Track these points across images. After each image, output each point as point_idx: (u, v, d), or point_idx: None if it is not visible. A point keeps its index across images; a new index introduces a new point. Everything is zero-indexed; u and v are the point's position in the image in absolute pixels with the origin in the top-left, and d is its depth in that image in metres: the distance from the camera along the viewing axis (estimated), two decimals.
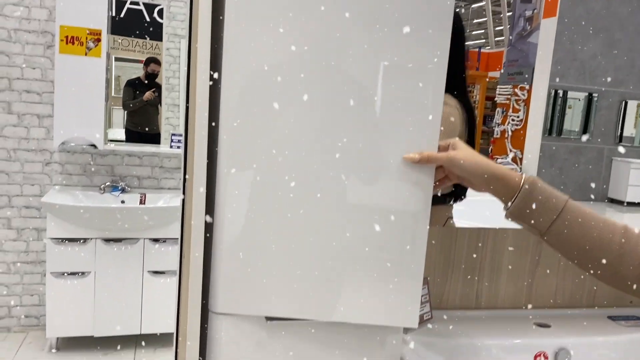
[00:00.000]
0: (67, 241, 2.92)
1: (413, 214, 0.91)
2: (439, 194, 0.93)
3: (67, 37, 2.92)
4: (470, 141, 1.36)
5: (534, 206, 0.82)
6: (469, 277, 1.44)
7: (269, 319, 0.95)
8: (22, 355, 2.97)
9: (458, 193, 1.39)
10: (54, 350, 3.04)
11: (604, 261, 0.78)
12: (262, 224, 0.91)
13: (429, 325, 1.31)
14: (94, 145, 3.06)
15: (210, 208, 0.93)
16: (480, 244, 1.42)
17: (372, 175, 0.89)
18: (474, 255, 1.43)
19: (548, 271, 1.50)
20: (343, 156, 0.89)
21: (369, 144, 0.89)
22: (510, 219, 0.86)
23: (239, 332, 0.96)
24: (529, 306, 1.49)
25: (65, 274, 2.94)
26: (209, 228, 0.93)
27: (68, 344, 3.11)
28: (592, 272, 0.81)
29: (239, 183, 0.90)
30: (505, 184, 0.84)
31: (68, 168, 3.17)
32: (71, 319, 2.98)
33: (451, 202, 1.43)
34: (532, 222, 0.83)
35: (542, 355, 1.33)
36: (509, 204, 0.84)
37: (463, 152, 0.86)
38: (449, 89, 1.02)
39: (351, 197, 0.90)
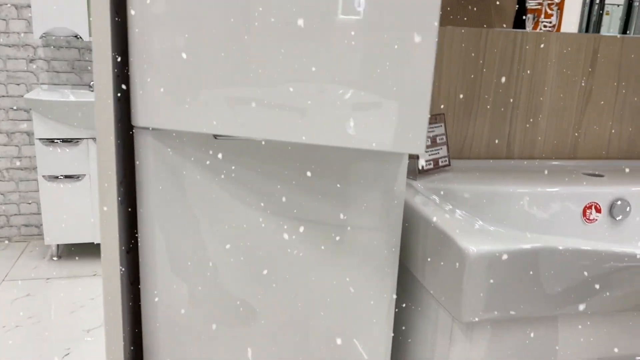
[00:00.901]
0: (58, 141, 2.69)
1: None
2: None
3: None
4: None
5: None
6: (498, 118, 1.14)
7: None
8: (22, 263, 2.83)
9: None
10: (55, 258, 2.88)
11: None
12: None
13: (445, 175, 1.03)
14: (79, 37, 2.77)
15: None
16: (515, 66, 1.10)
17: None
18: (507, 93, 1.12)
19: (601, 110, 1.18)
20: None
21: None
22: None
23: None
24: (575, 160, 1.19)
25: (60, 177, 2.74)
26: None
27: (69, 251, 2.96)
28: None
29: None
30: None
31: (54, 65, 2.89)
32: (70, 225, 2.80)
33: None
34: None
35: (593, 207, 1.04)
36: None
37: None
38: None
39: None
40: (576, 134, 1.17)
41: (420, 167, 0.98)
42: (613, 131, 1.18)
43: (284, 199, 0.80)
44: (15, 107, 2.91)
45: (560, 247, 0.72)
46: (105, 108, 0.72)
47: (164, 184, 0.78)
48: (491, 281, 0.72)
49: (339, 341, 0.87)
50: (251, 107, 0.66)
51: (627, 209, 1.03)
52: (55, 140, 2.68)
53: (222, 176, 0.77)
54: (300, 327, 0.86)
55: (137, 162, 0.77)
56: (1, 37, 2.80)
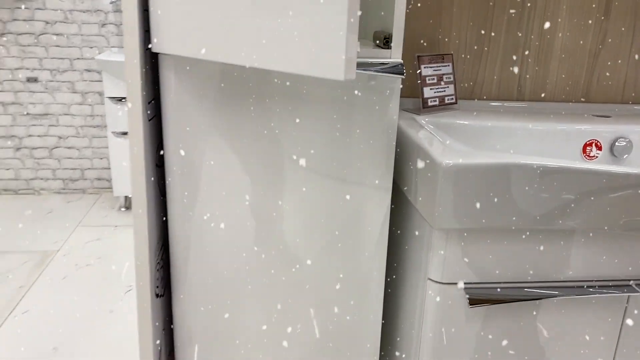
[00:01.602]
0: (125, 100, 2.91)
1: None
2: None
3: None
4: None
5: None
6: (510, 58, 1.19)
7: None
8: (95, 213, 3.11)
9: None
10: (122, 209, 3.14)
11: None
12: None
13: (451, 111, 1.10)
14: None
15: None
16: (526, 6, 1.15)
17: None
18: (519, 34, 1.17)
19: (616, 57, 1.20)
20: None
21: None
22: None
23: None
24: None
25: (127, 133, 2.97)
26: None
27: None
28: None
29: None
30: None
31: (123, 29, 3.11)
32: None
33: None
34: None
35: (593, 144, 1.08)
36: None
37: None
38: None
39: None
40: (590, 79, 1.19)
41: (423, 102, 1.06)
42: (628, 75, 1.19)
43: (279, 132, 0.90)
44: (88, 69, 3.16)
45: (526, 162, 0.79)
46: (132, 32, 0.85)
47: (185, 108, 0.90)
48: (461, 191, 0.81)
49: (340, 245, 0.98)
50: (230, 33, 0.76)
51: (629, 147, 1.06)
52: (124, 99, 2.90)
53: (229, 107, 0.89)
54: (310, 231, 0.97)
55: (161, 85, 0.91)
56: (76, 3, 3.05)
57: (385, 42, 0.84)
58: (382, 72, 0.82)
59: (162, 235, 1.02)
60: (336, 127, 0.90)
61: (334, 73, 0.63)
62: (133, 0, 0.84)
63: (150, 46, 0.90)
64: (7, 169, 3.26)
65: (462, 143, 0.95)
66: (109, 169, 3.32)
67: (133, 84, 0.87)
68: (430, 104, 1.07)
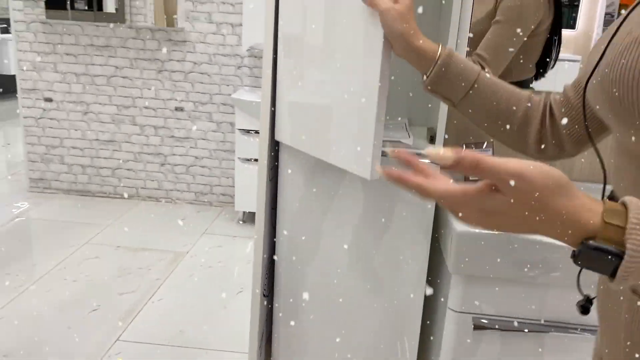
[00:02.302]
0: (252, 132, 3.46)
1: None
2: None
3: None
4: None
5: (446, 81, 0.85)
6: None
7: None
8: (218, 223, 3.69)
9: None
10: (240, 222, 3.70)
11: (509, 127, 0.83)
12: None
13: None
14: None
15: None
16: None
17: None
18: None
19: None
20: None
21: None
22: (428, 91, 0.90)
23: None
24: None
25: (252, 160, 3.51)
26: None
27: (252, 217, 3.75)
28: (499, 137, 0.87)
29: None
30: (422, 58, 0.87)
31: (255, 71, 3.69)
32: (254, 197, 3.57)
33: None
34: (446, 94, 0.88)
35: None
36: (424, 77, 0.88)
37: (397, 11, 0.87)
38: None
39: None
40: None
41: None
42: None
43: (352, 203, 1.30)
44: (224, 103, 3.77)
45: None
46: (264, 122, 1.30)
47: (297, 186, 1.33)
48: (470, 252, 1.16)
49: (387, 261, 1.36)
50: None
51: None
52: (250, 131, 3.46)
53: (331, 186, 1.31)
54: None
55: (279, 163, 1.35)
56: (219, 48, 3.67)
57: (431, 139, 1.21)
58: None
59: (270, 253, 1.46)
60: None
61: (365, 174, 1.04)
62: (267, 100, 1.28)
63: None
64: (153, 180, 3.95)
65: None
66: (233, 187, 3.89)
67: (263, 152, 1.31)
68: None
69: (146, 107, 3.81)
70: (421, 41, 0.87)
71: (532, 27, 1.42)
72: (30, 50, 3.74)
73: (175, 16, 3.60)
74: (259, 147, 1.31)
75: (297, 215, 1.37)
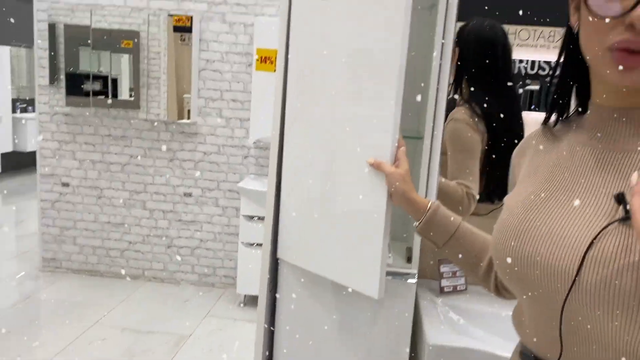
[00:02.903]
0: (256, 218, 3.68)
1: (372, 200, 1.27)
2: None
3: (261, 57, 3.69)
4: (494, 146, 1.63)
5: (433, 228, 1.09)
6: None
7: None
8: (219, 305, 3.84)
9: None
10: (242, 305, 3.84)
11: (476, 271, 1.06)
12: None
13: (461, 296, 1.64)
14: None
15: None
16: None
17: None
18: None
19: None
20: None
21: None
22: (418, 234, 1.13)
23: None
24: None
25: (254, 244, 3.71)
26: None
27: (253, 301, 3.90)
28: (469, 275, 1.10)
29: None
30: (416, 210, 1.13)
31: (260, 161, 3.96)
32: (256, 281, 3.74)
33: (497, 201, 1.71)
34: (433, 239, 1.11)
35: None
36: (416, 224, 1.13)
37: (400, 174, 1.16)
38: (477, 100, 1.37)
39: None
40: None
41: (440, 289, 1.60)
42: None
43: None
44: (230, 189, 4.01)
45: (479, 349, 1.30)
46: (267, 239, 1.51)
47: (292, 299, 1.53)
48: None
49: None
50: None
51: None
52: (254, 217, 3.67)
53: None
54: None
55: (278, 278, 1.55)
56: (228, 140, 3.95)
57: (408, 259, 1.42)
58: (403, 279, 1.40)
59: (269, 343, 1.63)
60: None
61: (373, 293, 1.24)
62: (269, 219, 1.50)
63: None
64: (159, 262, 4.14)
65: (465, 320, 1.48)
66: (235, 269, 4.07)
67: (264, 267, 1.51)
68: (445, 290, 1.61)
69: (156, 193, 4.06)
70: (415, 196, 1.14)
71: (480, 141, 1.64)
72: (52, 139, 4.04)
73: (188, 108, 3.92)
74: (261, 260, 1.51)
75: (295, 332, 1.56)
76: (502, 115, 1.60)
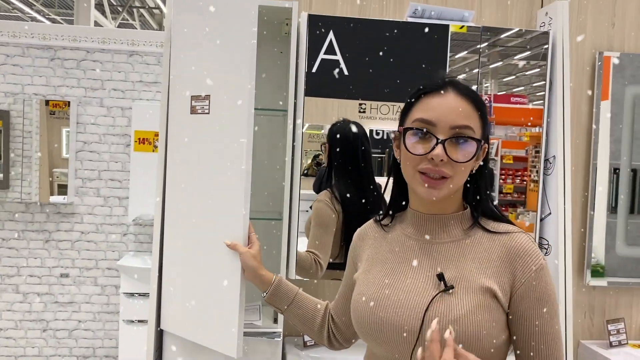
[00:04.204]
0: (137, 295, 3.74)
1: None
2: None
3: (139, 138, 3.88)
4: (347, 221, 2.00)
5: (277, 296, 1.39)
6: None
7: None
8: None
9: None
10: None
11: (312, 328, 1.38)
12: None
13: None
14: None
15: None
16: None
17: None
18: None
19: None
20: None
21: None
22: (266, 302, 1.42)
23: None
24: None
25: (135, 321, 3.74)
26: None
27: None
28: (308, 334, 1.40)
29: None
30: (263, 282, 1.41)
31: (140, 237, 4.06)
32: (139, 357, 3.75)
33: None
34: (277, 305, 1.40)
35: None
36: (264, 294, 1.42)
37: (252, 254, 1.46)
38: (337, 185, 1.71)
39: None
40: None
41: (304, 343, 1.88)
42: None
43: None
44: (109, 267, 4.05)
45: None
46: (152, 312, 1.70)
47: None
48: None
49: None
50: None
51: None
52: (134, 294, 3.74)
53: None
54: None
55: (163, 346, 1.73)
56: (106, 219, 4.03)
57: (275, 320, 1.69)
58: (271, 337, 1.67)
59: None
60: None
61: (232, 353, 1.48)
62: (154, 293, 1.70)
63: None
64: (33, 347, 4.00)
65: None
66: (116, 348, 4.04)
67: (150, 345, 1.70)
68: (308, 344, 1.89)
69: (31, 275, 3.98)
70: (263, 272, 1.43)
71: (334, 219, 1.99)
72: None
73: (59, 182, 3.96)
74: (147, 334, 1.70)
75: None
76: (355, 198, 1.97)
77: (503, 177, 2.22)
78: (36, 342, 4.00)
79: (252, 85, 1.44)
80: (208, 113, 1.51)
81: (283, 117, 1.90)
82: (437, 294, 1.09)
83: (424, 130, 1.12)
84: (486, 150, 1.18)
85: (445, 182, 1.11)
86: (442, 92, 1.13)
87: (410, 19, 1.93)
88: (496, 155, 2.20)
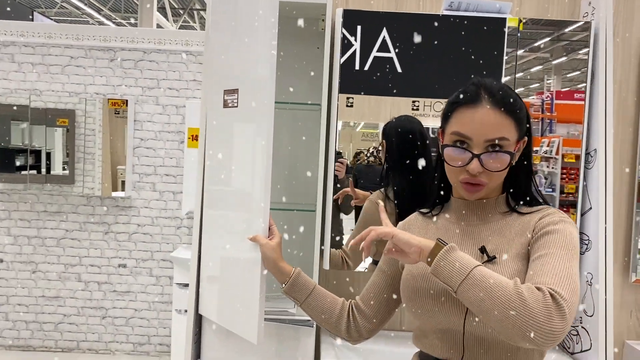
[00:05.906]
0: (189, 286, 3.88)
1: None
2: None
3: (192, 135, 4.02)
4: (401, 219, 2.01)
5: (295, 289, 1.40)
6: None
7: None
8: None
9: None
10: None
11: (329, 320, 1.42)
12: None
13: None
14: None
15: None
16: None
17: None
18: None
19: None
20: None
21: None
22: (284, 294, 1.43)
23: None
24: None
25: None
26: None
27: None
28: (324, 326, 1.43)
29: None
30: (282, 274, 1.42)
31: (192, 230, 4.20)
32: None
33: None
34: (295, 297, 1.41)
35: None
36: (283, 285, 1.43)
37: (272, 245, 1.47)
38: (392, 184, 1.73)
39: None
40: None
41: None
42: None
43: None
44: (164, 259, 4.22)
45: None
46: (192, 298, 1.78)
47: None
48: None
49: None
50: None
51: None
52: (187, 285, 3.88)
53: None
54: None
55: (201, 332, 1.82)
56: (161, 212, 4.20)
57: None
58: (305, 325, 1.71)
59: None
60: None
61: (253, 339, 1.53)
62: (193, 288, 1.78)
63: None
64: (94, 333, 4.23)
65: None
66: (169, 336, 4.21)
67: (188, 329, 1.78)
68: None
69: (91, 265, 4.21)
70: (283, 264, 1.46)
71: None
72: None
73: (122, 179, 4.16)
74: (186, 319, 1.78)
75: None
76: (410, 196, 1.94)
77: (564, 176, 2.09)
78: (96, 328, 4.23)
79: (272, 79, 1.48)
80: (237, 106, 1.57)
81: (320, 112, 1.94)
82: (483, 263, 1.18)
83: (460, 142, 1.23)
84: (526, 143, 1.28)
85: (484, 187, 1.24)
86: (475, 103, 1.21)
87: (445, 12, 1.92)
88: (557, 154, 2.11)
